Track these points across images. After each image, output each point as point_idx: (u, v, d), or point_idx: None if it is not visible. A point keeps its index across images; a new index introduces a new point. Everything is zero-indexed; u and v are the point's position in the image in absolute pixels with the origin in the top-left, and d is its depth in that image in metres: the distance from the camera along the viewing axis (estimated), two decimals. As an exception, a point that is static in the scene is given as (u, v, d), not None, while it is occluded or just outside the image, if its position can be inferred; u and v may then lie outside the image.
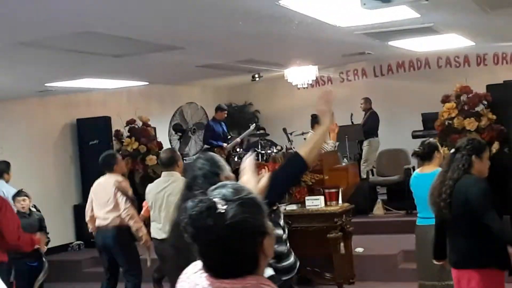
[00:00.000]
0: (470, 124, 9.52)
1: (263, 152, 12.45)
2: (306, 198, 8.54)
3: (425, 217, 6.42)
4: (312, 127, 10.44)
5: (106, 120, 11.50)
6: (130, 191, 7.53)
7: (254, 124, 13.11)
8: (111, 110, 11.79)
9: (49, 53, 6.52)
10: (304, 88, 14.41)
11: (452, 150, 4.89)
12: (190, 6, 4.95)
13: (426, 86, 13.50)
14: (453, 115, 9.72)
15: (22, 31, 5.51)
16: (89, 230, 7.81)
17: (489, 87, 9.90)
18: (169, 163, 6.45)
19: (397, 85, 14.02)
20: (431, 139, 6.86)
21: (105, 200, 7.36)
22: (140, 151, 11.27)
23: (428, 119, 12.69)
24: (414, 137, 12.88)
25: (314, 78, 11.12)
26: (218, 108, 12.47)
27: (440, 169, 6.37)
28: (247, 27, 5.97)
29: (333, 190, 8.57)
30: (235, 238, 1.88)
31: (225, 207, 1.89)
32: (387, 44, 7.55)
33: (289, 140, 10.15)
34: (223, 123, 12.59)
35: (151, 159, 11.24)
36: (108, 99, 12.07)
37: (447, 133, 9.78)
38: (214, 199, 1.92)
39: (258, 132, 13.39)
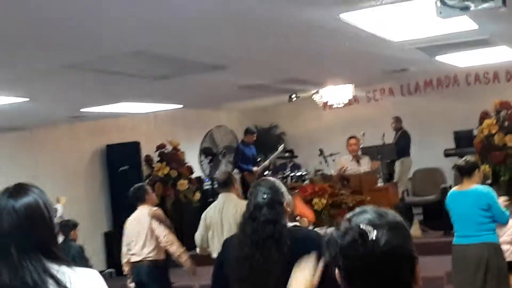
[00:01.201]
0: (512, 140, 9.32)
1: (292, 174, 12.27)
2: (347, 219, 8.32)
3: (463, 235, 6.27)
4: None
5: (136, 145, 11.34)
6: (166, 219, 7.36)
7: (282, 145, 12.93)
8: (139, 135, 11.65)
9: (90, 76, 6.38)
10: (330, 108, 14.30)
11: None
12: (240, 21, 4.79)
13: (456, 103, 13.34)
14: (493, 131, 9.50)
15: (66, 53, 5.36)
16: (124, 273, 7.57)
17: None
18: (226, 184, 6.44)
19: (426, 103, 13.81)
20: (472, 157, 6.73)
21: (140, 234, 7.17)
22: (171, 176, 11.09)
23: (461, 137, 12.55)
24: (446, 155, 12.72)
25: (351, 97, 10.94)
26: (248, 131, 12.30)
27: (477, 186, 6.25)
28: (296, 43, 5.81)
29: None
30: (391, 267, 1.69)
31: (375, 233, 1.69)
32: (433, 60, 7.36)
33: (326, 161, 9.96)
34: (252, 146, 12.41)
35: (183, 184, 11.06)
36: (137, 124, 11.94)
37: (488, 150, 9.55)
38: (362, 226, 1.72)
39: (286, 155, 13.21)
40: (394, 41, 5.93)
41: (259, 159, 12.58)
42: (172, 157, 11.25)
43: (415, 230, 10.96)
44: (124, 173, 11.06)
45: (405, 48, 6.36)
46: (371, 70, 8.64)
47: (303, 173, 11.45)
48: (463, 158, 6.51)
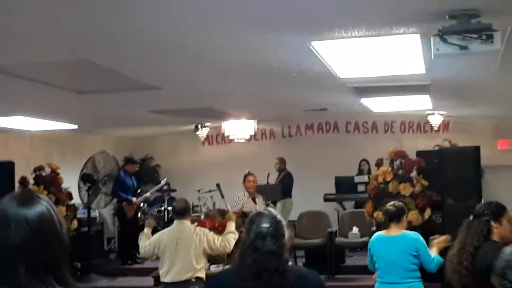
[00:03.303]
0: (406, 189, 9.46)
1: (169, 208, 11.90)
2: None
3: (388, 282, 6.16)
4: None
5: (10, 166, 10.35)
6: None
7: (165, 179, 12.54)
8: (13, 155, 10.68)
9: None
10: (209, 145, 14.10)
11: (471, 217, 4.66)
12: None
13: (336, 149, 13.57)
14: (388, 179, 9.63)
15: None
16: None
17: (418, 153, 9.96)
18: (183, 212, 6.77)
19: (306, 147, 13.94)
20: (399, 202, 6.68)
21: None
22: (49, 201, 10.20)
23: (341, 183, 12.71)
24: (326, 200, 12.84)
25: (253, 133, 10.73)
26: (130, 160, 11.85)
27: (406, 231, 6.23)
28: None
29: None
30: None
31: None
32: (356, 102, 7.35)
33: (222, 196, 9.64)
34: (133, 177, 11.89)
35: (61, 211, 10.22)
36: (10, 143, 11.00)
37: (381, 197, 9.65)
38: None
39: (164, 188, 12.78)
40: (340, 77, 5.81)
41: (139, 190, 12.07)
42: (51, 181, 10.41)
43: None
44: (-5, 195, 10.05)
45: (343, 86, 6.26)
46: (294, 107, 8.49)
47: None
48: (391, 203, 6.43)
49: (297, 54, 4.88)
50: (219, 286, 3.30)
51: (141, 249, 6.98)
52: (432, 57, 4.05)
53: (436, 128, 12.80)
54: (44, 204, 2.01)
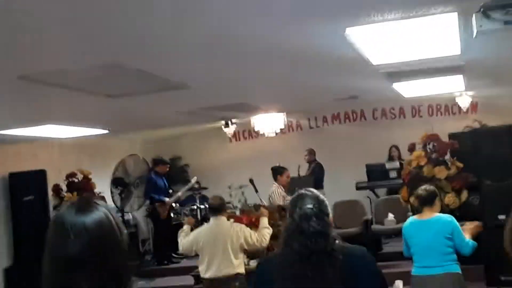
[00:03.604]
0: (441, 172, 9.35)
1: (202, 206, 11.88)
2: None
3: (425, 266, 6.08)
4: (275, 179, 9.99)
5: (42, 174, 10.40)
6: None
7: (195, 178, 12.51)
8: (43, 164, 10.72)
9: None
10: (236, 141, 14.05)
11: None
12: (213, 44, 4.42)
13: (365, 137, 13.46)
14: (422, 163, 9.51)
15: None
16: None
17: (451, 136, 9.83)
18: (219, 209, 6.83)
19: (334, 137, 13.83)
20: (431, 186, 6.57)
21: None
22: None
23: (372, 170, 12.58)
24: (358, 188, 12.71)
25: (283, 126, 10.65)
26: (160, 161, 11.90)
27: (440, 214, 6.14)
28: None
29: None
30: None
31: None
32: (387, 87, 7.25)
33: (256, 191, 9.59)
34: (164, 178, 11.89)
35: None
36: (39, 152, 11.03)
37: (416, 182, 9.52)
38: None
39: (196, 186, 12.77)
40: (373, 64, 5.72)
41: (170, 190, 12.07)
42: (83, 187, 10.43)
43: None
44: (29, 203, 10.11)
45: (375, 73, 6.17)
46: (324, 96, 8.38)
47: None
48: (422, 187, 6.35)
49: (331, 41, 4.79)
50: (268, 270, 3.22)
51: (180, 246, 7.08)
52: (474, 35, 3.94)
53: (464, 110, 12.65)
54: (102, 211, 1.93)
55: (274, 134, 10.38)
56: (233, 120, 10.27)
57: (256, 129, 10.38)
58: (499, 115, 11.89)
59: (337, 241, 3.13)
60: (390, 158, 12.82)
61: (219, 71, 5.69)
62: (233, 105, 7.72)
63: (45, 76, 4.89)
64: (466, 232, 5.94)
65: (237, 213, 9.36)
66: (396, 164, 12.38)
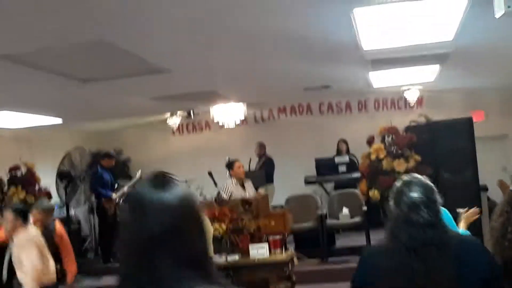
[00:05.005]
0: (400, 165, 9.32)
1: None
2: (250, 246, 7.86)
3: None
4: (230, 175, 9.68)
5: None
6: None
7: (140, 171, 12.02)
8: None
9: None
10: (180, 134, 13.71)
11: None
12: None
13: (313, 131, 13.36)
14: (381, 156, 9.45)
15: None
16: None
17: (408, 129, 9.79)
18: None
19: (281, 130, 13.65)
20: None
21: None
22: (27, 201, 9.62)
23: (322, 165, 12.47)
24: (307, 182, 12.59)
25: (243, 118, 10.35)
26: (106, 155, 11.36)
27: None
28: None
29: (277, 237, 8.02)
30: None
31: None
32: (361, 76, 7.10)
33: (215, 184, 9.26)
34: (109, 172, 11.40)
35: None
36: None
37: (376, 175, 9.47)
38: None
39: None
40: (363, 49, 5.54)
41: (116, 185, 11.59)
42: (28, 181, 9.83)
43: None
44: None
45: (360, 59, 6.00)
46: (296, 85, 8.13)
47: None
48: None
49: (334, 24, 4.58)
50: (373, 264, 2.98)
51: None
52: (498, 16, 3.81)
53: (411, 104, 12.70)
54: (183, 188, 1.70)
55: (234, 125, 10.07)
56: (195, 111, 9.89)
57: (215, 120, 10.03)
58: (444, 109, 12.02)
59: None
60: (339, 152, 12.74)
61: (200, 56, 5.39)
62: (202, 93, 7.39)
63: (26, 57, 4.46)
64: (462, 221, 5.81)
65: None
66: (346, 158, 12.33)
